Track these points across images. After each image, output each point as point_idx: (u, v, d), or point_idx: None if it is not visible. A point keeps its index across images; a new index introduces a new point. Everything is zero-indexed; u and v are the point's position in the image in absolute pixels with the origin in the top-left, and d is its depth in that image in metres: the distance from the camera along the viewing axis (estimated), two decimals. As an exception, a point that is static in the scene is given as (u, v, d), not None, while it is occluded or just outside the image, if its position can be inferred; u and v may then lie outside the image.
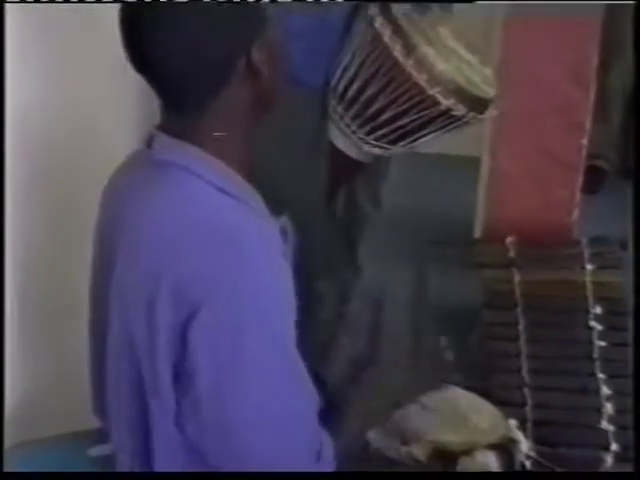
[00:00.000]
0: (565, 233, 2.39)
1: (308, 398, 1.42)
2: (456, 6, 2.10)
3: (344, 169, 2.03)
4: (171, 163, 1.39)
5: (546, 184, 2.38)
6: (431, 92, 1.81)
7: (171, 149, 1.40)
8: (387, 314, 2.04)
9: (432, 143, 2.01)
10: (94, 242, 1.55)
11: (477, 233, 2.44)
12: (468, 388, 1.88)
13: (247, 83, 1.39)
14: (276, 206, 1.46)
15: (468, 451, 1.67)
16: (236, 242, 1.34)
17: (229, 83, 1.38)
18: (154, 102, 1.46)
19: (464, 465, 1.67)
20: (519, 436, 1.75)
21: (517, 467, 1.73)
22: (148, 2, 1.33)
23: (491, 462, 1.68)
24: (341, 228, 2.20)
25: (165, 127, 1.43)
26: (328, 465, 1.42)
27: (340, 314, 2.23)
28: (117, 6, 1.39)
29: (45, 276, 2.17)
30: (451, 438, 1.68)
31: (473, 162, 2.40)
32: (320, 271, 2.07)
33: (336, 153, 1.99)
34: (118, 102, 2.22)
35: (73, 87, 2.11)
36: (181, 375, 1.34)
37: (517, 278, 2.28)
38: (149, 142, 1.44)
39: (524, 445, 1.74)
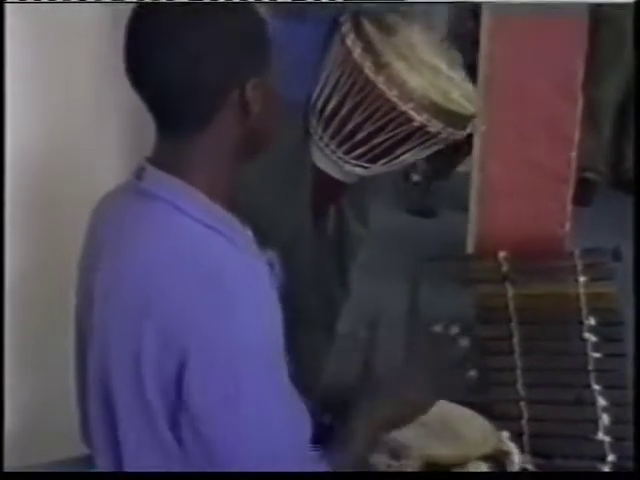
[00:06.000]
0: (557, 245, 2.38)
1: (301, 428, 1.42)
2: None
3: (328, 190, 2.03)
4: (158, 197, 1.39)
5: (537, 197, 2.37)
6: (403, 108, 1.81)
7: (159, 182, 1.40)
8: (381, 333, 2.02)
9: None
10: (78, 266, 1.54)
11: (469, 249, 2.43)
12: (463, 402, 1.87)
13: (237, 118, 1.39)
14: (262, 235, 1.46)
15: (460, 464, 1.66)
16: (220, 281, 1.33)
17: (219, 114, 1.37)
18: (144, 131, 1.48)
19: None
20: (511, 447, 1.73)
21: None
22: (155, 16, 1.34)
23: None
24: (330, 249, 2.20)
25: (155, 159, 1.42)
26: None
27: (331, 335, 2.22)
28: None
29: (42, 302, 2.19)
30: (441, 452, 1.66)
31: (462, 178, 2.39)
32: (310, 294, 2.06)
33: (319, 174, 1.99)
34: (108, 129, 2.25)
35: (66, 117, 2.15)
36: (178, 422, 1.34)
37: (510, 292, 2.27)
38: (138, 173, 1.44)
39: (517, 456, 1.72)
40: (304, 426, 1.44)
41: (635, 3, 2.30)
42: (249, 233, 1.47)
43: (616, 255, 2.30)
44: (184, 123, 1.39)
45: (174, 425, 1.34)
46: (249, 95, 1.37)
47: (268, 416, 1.35)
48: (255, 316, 1.33)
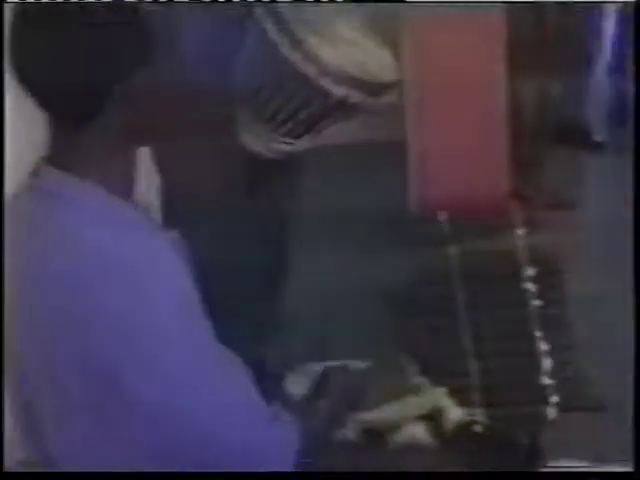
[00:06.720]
0: (497, 202, 2.43)
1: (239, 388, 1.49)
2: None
3: (258, 169, 2.06)
4: (54, 195, 1.42)
5: (473, 157, 2.41)
6: (321, 83, 1.84)
7: (53, 180, 1.44)
8: (330, 306, 2.06)
9: (346, 132, 2.05)
10: None
11: (409, 212, 2.47)
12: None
13: (123, 109, 1.41)
14: (179, 218, 1.50)
15: (397, 428, 1.71)
16: (124, 269, 1.37)
17: (106, 107, 1.40)
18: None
19: (393, 440, 1.70)
20: (448, 403, 1.77)
21: (448, 434, 1.75)
22: (39, 17, 1.37)
23: (419, 433, 1.71)
24: (265, 228, 2.22)
25: (49, 156, 1.46)
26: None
27: (277, 313, 2.24)
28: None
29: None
30: (375, 416, 1.71)
31: (398, 147, 2.41)
32: (244, 275, 2.09)
33: (247, 154, 2.02)
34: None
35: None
36: None
37: (452, 251, 2.32)
38: (35, 172, 1.47)
39: (454, 411, 1.76)
40: (242, 385, 1.50)
41: (635, 3, 2.31)
42: (152, 217, 1.52)
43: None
44: (74, 119, 1.42)
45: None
46: (132, 87, 1.39)
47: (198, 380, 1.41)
48: (163, 292, 1.39)
